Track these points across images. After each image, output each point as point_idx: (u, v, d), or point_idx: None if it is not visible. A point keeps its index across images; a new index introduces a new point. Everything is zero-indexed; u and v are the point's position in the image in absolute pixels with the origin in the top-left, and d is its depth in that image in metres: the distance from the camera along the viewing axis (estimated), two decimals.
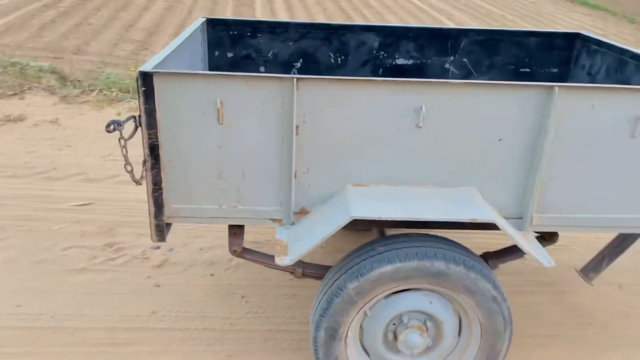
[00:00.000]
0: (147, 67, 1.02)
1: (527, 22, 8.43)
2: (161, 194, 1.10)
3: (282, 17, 7.23)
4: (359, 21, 7.11)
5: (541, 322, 1.77)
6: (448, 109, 1.05)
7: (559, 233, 1.36)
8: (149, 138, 1.04)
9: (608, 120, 1.08)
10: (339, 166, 1.11)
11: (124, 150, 1.06)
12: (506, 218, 1.16)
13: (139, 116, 1.03)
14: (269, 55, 1.93)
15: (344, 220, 0.96)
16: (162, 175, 1.08)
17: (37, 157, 2.81)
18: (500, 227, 1.04)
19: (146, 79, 0.97)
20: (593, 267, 1.48)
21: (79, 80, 3.80)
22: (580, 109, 1.06)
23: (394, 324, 1.16)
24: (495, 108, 1.06)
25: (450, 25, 6.95)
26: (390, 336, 1.18)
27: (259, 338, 1.59)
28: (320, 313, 1.11)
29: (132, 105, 3.48)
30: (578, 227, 1.24)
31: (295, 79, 0.99)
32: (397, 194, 1.09)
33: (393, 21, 7.55)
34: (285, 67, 1.95)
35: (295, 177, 1.09)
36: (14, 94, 3.41)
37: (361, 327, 1.19)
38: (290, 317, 1.70)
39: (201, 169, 1.10)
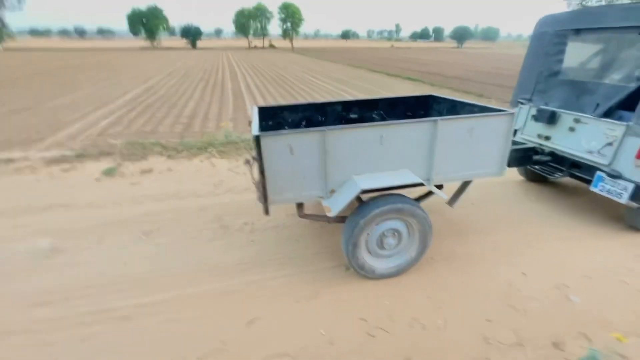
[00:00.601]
0: (256, 132, 2.15)
1: (386, 91, 13.95)
2: (266, 192, 2.27)
3: (259, 100, 11.83)
4: (300, 99, 12.07)
5: (438, 223, 3.30)
6: (393, 133, 2.36)
7: (443, 184, 2.79)
8: (261, 166, 2.19)
9: (459, 129, 2.48)
10: (347, 168, 2.36)
11: (252, 172, 2.22)
12: (424, 180, 2.54)
13: (254, 157, 2.18)
14: (289, 120, 3.33)
15: (358, 190, 2.23)
16: (267, 184, 2.25)
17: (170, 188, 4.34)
18: (424, 184, 2.40)
19: (257, 138, 2.12)
20: (452, 199, 2.96)
21: (169, 147, 5.72)
22: (447, 127, 2.44)
23: (381, 236, 2.50)
24: (415, 131, 2.39)
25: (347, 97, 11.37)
26: (380, 242, 2.51)
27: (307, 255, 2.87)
28: (348, 236, 2.39)
29: (197, 154, 5.46)
30: (449, 180, 2.66)
31: (326, 130, 2.21)
32: (376, 177, 2.39)
33: (319, 97, 12.38)
34: (297, 125, 3.35)
35: (328, 175, 2.33)
36: (142, 158, 5.18)
37: (366, 240, 2.50)
38: (325, 245, 3.00)
39: (285, 177, 2.28)
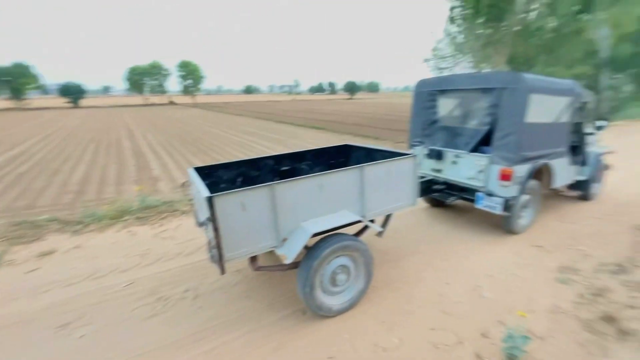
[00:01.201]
0: (207, 194, 2.23)
1: (295, 140, 15.58)
2: (221, 250, 2.30)
3: (167, 160, 11.45)
4: (214, 155, 11.84)
5: (372, 254, 3.74)
6: (330, 181, 2.72)
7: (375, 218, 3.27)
8: (214, 226, 2.25)
9: (380, 172, 3.00)
10: (295, 216, 2.59)
11: (210, 232, 2.23)
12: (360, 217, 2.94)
13: (207, 218, 2.23)
14: (224, 178, 3.40)
15: (309, 235, 2.45)
16: (222, 242, 2.29)
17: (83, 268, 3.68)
18: (362, 221, 2.78)
19: (210, 199, 2.20)
20: (380, 231, 3.47)
21: (71, 221, 4.97)
22: (371, 171, 2.94)
23: (333, 274, 2.72)
24: (347, 177, 2.81)
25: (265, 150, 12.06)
26: (332, 279, 2.73)
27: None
28: (304, 280, 2.55)
29: (110, 225, 4.87)
30: (379, 214, 3.14)
31: (274, 184, 2.43)
32: (322, 220, 2.66)
33: (231, 150, 12.83)
34: (233, 182, 3.47)
35: (280, 225, 2.52)
36: (36, 239, 4.47)
37: (320, 281, 2.69)
38: (277, 295, 3.02)
39: (239, 233, 2.36)
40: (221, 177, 3.46)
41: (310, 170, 3.99)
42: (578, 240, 4.11)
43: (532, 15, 17.19)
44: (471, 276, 3.35)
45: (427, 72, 24.15)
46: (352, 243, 2.73)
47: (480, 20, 16.96)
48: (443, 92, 4.56)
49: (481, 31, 17.77)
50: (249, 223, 2.39)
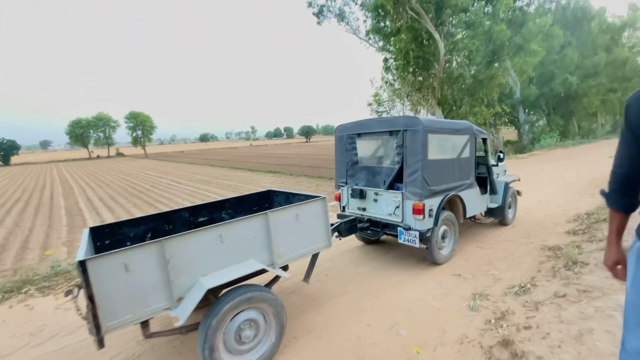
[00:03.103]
0: (80, 257, 2.06)
1: (250, 185, 16.08)
2: (98, 320, 2.08)
3: (106, 216, 11.61)
4: (161, 207, 12.09)
5: (298, 301, 3.63)
6: (231, 231, 2.67)
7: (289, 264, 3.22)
8: (89, 293, 2.04)
9: (287, 217, 3.02)
10: (193, 271, 2.46)
11: (77, 303, 2.01)
12: (269, 265, 2.87)
13: (78, 285, 2.03)
14: (131, 236, 3.20)
15: (203, 291, 2.32)
16: (99, 311, 2.07)
17: None
18: (267, 269, 2.71)
19: (82, 263, 2.03)
20: (306, 275, 3.45)
21: None
22: (277, 217, 2.95)
23: (238, 330, 2.56)
24: (251, 225, 2.77)
25: (216, 197, 12.29)
26: (237, 336, 2.56)
27: None
28: (202, 341, 2.36)
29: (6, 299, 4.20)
30: (291, 260, 3.10)
31: (163, 240, 2.32)
32: (222, 273, 2.56)
33: (181, 201, 13.28)
34: (142, 240, 3.23)
35: (173, 283, 2.36)
36: None
37: (223, 340, 2.51)
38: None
39: (121, 298, 2.17)
40: (127, 235, 3.25)
41: (231, 219, 3.91)
42: (493, 264, 4.37)
43: (454, 64, 19.70)
44: (392, 313, 3.35)
45: (371, 115, 26.04)
46: (257, 294, 2.62)
47: (410, 70, 18.98)
48: (359, 135, 4.89)
49: (413, 78, 19.82)
50: (135, 285, 2.22)
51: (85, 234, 2.74)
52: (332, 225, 4.26)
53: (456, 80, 19.13)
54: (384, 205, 4.45)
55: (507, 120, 30.89)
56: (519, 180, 6.45)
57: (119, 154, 69.55)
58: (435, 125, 4.21)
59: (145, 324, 2.41)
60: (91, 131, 64.97)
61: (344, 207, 5.06)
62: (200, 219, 3.73)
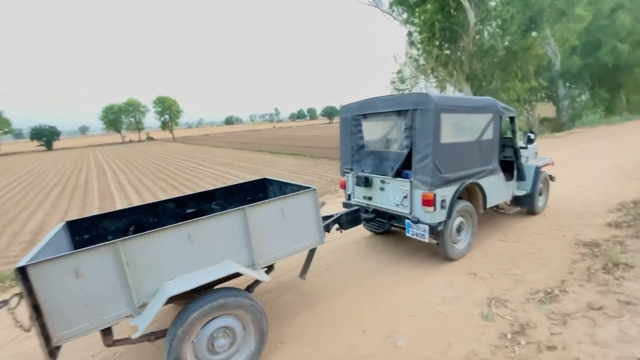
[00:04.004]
0: (22, 263, 1.84)
1: (271, 168, 15.39)
2: (47, 331, 1.88)
3: (133, 199, 11.13)
4: (186, 190, 11.37)
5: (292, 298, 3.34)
6: (202, 230, 2.37)
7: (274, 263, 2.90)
8: (32, 301, 1.84)
9: (270, 212, 2.68)
10: (159, 274, 2.21)
11: (14, 314, 1.81)
12: (249, 266, 2.57)
13: (19, 293, 1.82)
14: (111, 230, 3.01)
15: (164, 298, 2.07)
16: (47, 320, 1.87)
17: None
18: (242, 272, 2.41)
19: (22, 270, 1.81)
20: (303, 271, 3.14)
21: None
22: (258, 212, 2.61)
23: (210, 339, 2.31)
24: (224, 223, 2.46)
25: (237, 180, 12.00)
26: (210, 346, 2.32)
27: None
28: (168, 352, 2.13)
29: None
30: (276, 259, 2.76)
31: (119, 241, 2.06)
32: (189, 277, 2.28)
33: (204, 184, 12.59)
34: (125, 233, 3.03)
35: (134, 289, 2.12)
36: None
37: (193, 350, 2.27)
38: None
39: (74, 306, 1.95)
40: (107, 229, 3.07)
41: (222, 210, 3.64)
42: (516, 261, 3.84)
43: (485, 35, 18.04)
44: (392, 319, 2.99)
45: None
46: (231, 300, 2.34)
47: (436, 43, 17.61)
48: (365, 116, 4.39)
49: (439, 52, 18.43)
50: (88, 291, 2.00)
51: (54, 231, 2.56)
52: (332, 216, 3.90)
53: (487, 53, 17.56)
54: (390, 194, 4.00)
55: (543, 95, 28.36)
56: (553, 163, 5.69)
57: (149, 138, 72.22)
58: (449, 103, 3.64)
59: (107, 331, 2.21)
60: (123, 116, 67.65)
61: (349, 196, 4.65)
62: (188, 211, 3.50)
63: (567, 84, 26.79)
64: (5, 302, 1.87)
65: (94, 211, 10.48)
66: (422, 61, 21.23)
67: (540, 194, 5.37)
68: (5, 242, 7.01)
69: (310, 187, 2.96)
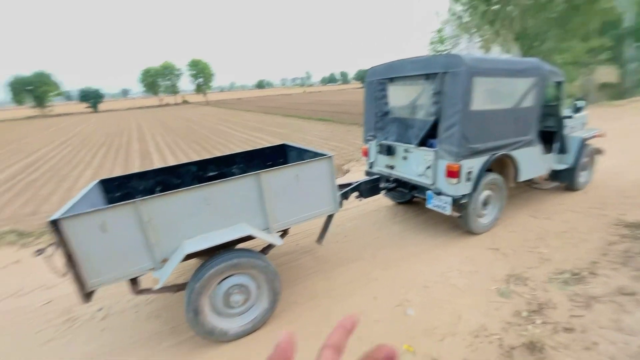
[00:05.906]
0: (55, 216, 2.02)
1: (300, 133, 15.21)
2: (81, 278, 2.09)
3: (169, 159, 11.63)
4: (216, 153, 11.48)
5: (308, 263, 3.44)
6: (218, 193, 2.44)
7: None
8: (67, 252, 2.03)
9: (284, 178, 2.69)
10: (178, 233, 2.34)
11: (50, 262, 2.03)
12: (263, 230, 2.65)
13: (54, 244, 2.02)
14: (140, 189, 3.19)
15: (182, 255, 2.20)
16: (81, 269, 2.08)
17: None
18: (255, 235, 2.49)
19: (55, 222, 1.98)
20: (320, 237, 3.18)
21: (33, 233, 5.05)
22: (272, 178, 2.63)
23: (226, 295, 2.47)
24: (240, 187, 2.51)
25: (265, 144, 12.07)
26: (226, 300, 2.48)
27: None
28: (187, 303, 2.31)
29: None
30: (290, 224, 2.81)
31: (138, 201, 2.18)
32: (205, 237, 2.39)
33: (234, 147, 12.71)
34: (151, 192, 3.21)
35: (156, 245, 2.28)
36: None
37: (211, 303, 2.44)
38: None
39: (103, 257, 2.14)
40: (136, 188, 3.26)
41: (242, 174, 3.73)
42: (544, 239, 3.63)
43: None
44: (405, 288, 3.00)
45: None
46: (245, 260, 2.45)
47: None
48: (391, 80, 4.13)
49: (486, 8, 16.59)
50: (115, 245, 2.17)
51: (86, 189, 2.75)
52: (351, 184, 3.85)
53: (544, 7, 15.53)
54: (414, 164, 3.84)
55: (606, 57, 24.96)
56: (604, 135, 5.12)
57: (185, 102, 74.21)
58: (484, 65, 3.31)
59: (134, 281, 2.42)
60: (160, 80, 69.56)
61: (371, 164, 4.55)
62: (210, 174, 3.61)
63: (638, 44, 23.25)
64: (42, 251, 2.08)
65: (136, 169, 11.26)
66: (465, 18, 19.30)
67: (583, 169, 4.92)
68: (60, 196, 7.70)
69: (326, 154, 2.90)
